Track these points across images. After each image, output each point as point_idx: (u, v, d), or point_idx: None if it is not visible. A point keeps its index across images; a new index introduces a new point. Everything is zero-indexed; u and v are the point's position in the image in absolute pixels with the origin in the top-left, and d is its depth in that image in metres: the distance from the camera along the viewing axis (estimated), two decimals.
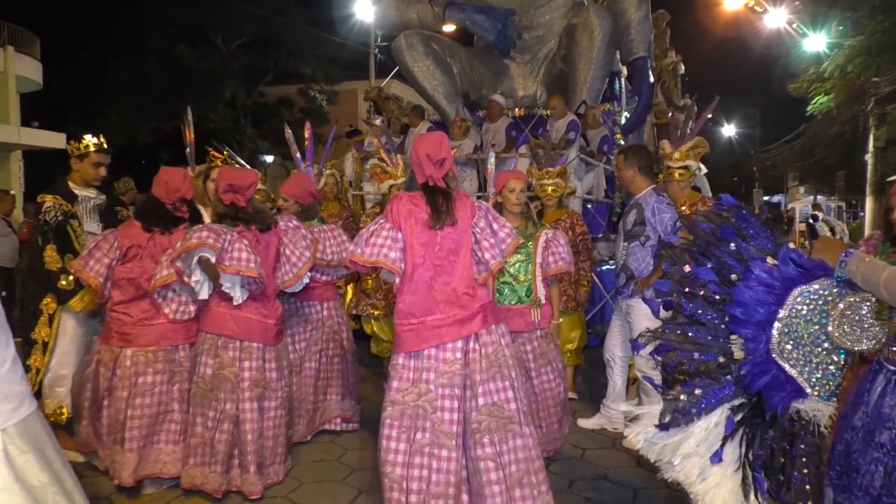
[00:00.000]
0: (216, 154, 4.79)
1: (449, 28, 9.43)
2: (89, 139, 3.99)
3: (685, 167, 4.71)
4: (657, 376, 3.52)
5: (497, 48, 9.23)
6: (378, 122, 9.14)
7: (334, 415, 4.47)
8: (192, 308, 3.58)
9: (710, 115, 5.52)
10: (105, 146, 4.04)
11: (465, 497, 2.94)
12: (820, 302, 1.96)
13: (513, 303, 3.84)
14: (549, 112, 8.16)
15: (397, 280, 2.95)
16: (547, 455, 3.83)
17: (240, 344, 3.49)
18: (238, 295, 3.43)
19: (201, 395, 3.45)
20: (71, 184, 3.95)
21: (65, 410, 3.83)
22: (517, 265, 3.84)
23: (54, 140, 20.31)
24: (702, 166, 7.45)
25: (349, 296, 6.33)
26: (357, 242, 2.97)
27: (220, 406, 3.43)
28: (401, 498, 2.85)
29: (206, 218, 4.01)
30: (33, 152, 21.02)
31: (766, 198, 31.81)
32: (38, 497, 1.62)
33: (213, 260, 3.31)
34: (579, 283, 5.26)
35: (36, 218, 3.84)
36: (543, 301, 3.87)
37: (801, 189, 30.38)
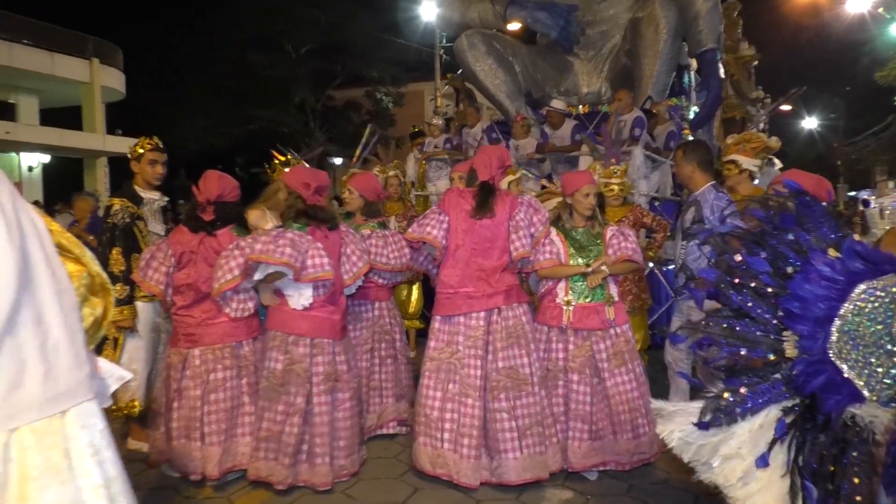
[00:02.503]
0: (278, 156, 4.91)
1: (511, 26, 9.36)
2: (143, 140, 4.16)
3: (732, 162, 4.49)
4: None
5: (560, 45, 9.11)
6: (435, 121, 9.17)
7: (391, 417, 4.49)
8: (250, 305, 3.70)
9: (786, 108, 5.24)
10: (159, 145, 4.18)
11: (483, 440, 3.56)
12: (887, 300, 1.81)
13: (587, 301, 3.77)
14: (614, 108, 8.00)
15: (438, 254, 3.75)
16: (622, 468, 3.72)
17: (311, 340, 3.63)
18: (309, 295, 3.57)
19: (272, 389, 3.57)
20: (136, 187, 4.12)
21: (136, 403, 4.00)
22: (590, 263, 3.76)
23: None
24: (776, 161, 7.14)
25: (414, 296, 6.39)
26: (412, 225, 3.83)
27: (291, 400, 3.56)
28: (436, 434, 3.61)
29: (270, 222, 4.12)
30: (117, 158, 22.15)
31: (851, 193, 30.22)
32: (111, 469, 1.68)
33: (289, 277, 3.48)
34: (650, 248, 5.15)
35: (105, 220, 4.00)
36: (616, 298, 3.80)
37: (891, 184, 28.68)
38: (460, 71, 9.94)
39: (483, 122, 9.14)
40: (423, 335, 6.30)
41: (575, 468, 3.70)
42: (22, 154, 21.39)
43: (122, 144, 21.51)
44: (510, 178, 5.00)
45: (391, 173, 6.53)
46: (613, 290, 3.81)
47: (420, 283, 6.45)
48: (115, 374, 1.96)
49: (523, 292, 3.87)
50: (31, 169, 21.79)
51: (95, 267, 1.98)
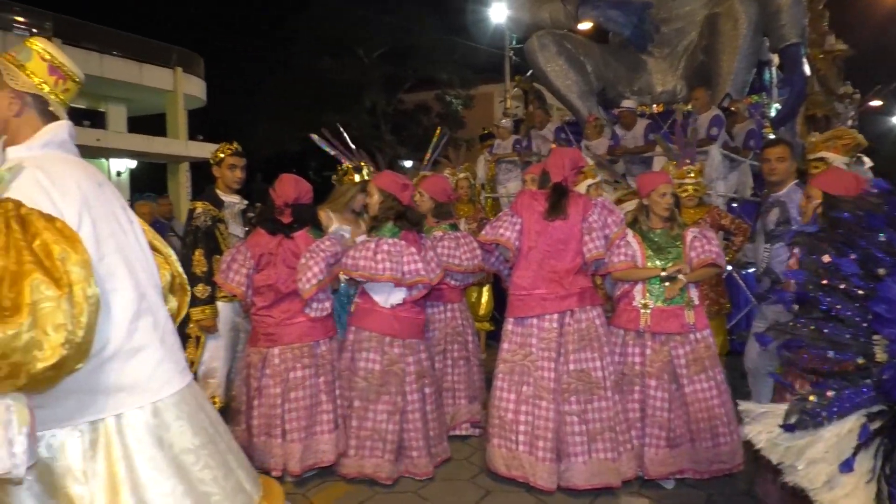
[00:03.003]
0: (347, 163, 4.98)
1: (582, 26, 9.24)
2: (223, 145, 4.32)
3: (820, 159, 4.27)
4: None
5: (633, 44, 8.93)
6: (505, 123, 9.15)
7: (464, 419, 4.50)
8: (327, 305, 3.81)
9: (875, 103, 4.98)
10: (239, 150, 4.33)
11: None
12: None
13: (666, 304, 3.68)
14: (689, 107, 7.78)
15: (511, 256, 3.76)
16: (700, 477, 3.62)
17: (402, 341, 3.76)
18: (400, 297, 3.70)
19: (372, 390, 3.70)
20: (218, 191, 4.29)
21: (217, 400, 4.15)
22: (669, 266, 3.68)
23: None
24: (865, 159, 6.79)
25: (485, 298, 6.40)
26: (485, 227, 3.86)
27: (392, 399, 3.70)
28: (510, 436, 3.62)
29: (349, 227, 4.23)
30: (198, 163, 23.10)
31: None
32: (189, 458, 1.78)
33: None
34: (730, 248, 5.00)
35: (188, 223, 4.18)
36: (696, 302, 3.70)
37: None
38: (530, 72, 9.89)
39: (553, 124, 9.06)
40: (493, 337, 6.32)
41: (651, 476, 3.62)
42: (111, 160, 22.58)
43: (202, 150, 22.46)
44: (589, 181, 4.92)
45: (461, 175, 6.55)
46: (693, 294, 3.70)
47: (490, 286, 6.45)
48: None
49: (597, 295, 3.83)
50: (119, 174, 22.98)
51: (178, 267, 2.10)
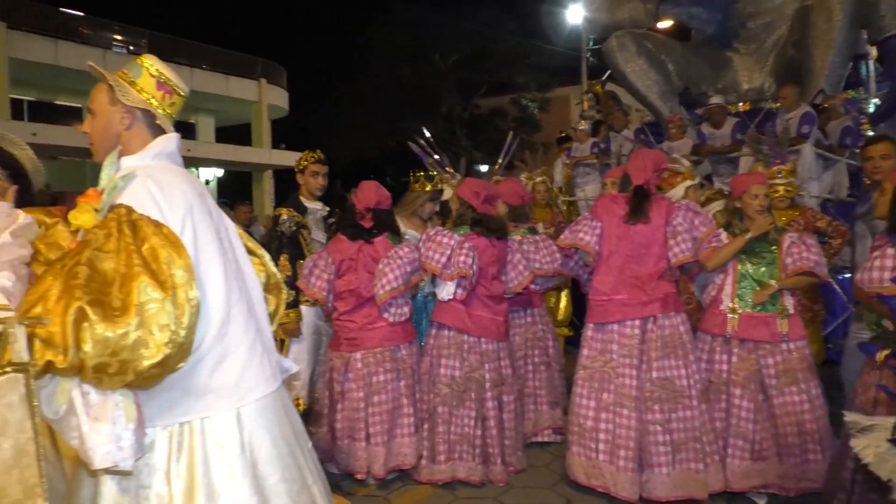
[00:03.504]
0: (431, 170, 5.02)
1: (663, 24, 9.02)
2: (307, 153, 4.44)
3: None
4: None
5: (717, 40, 8.63)
6: (582, 126, 9.01)
7: (545, 425, 4.46)
8: (405, 310, 3.86)
9: None
10: (321, 158, 4.44)
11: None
12: None
13: (756, 310, 3.52)
14: (777, 105, 7.44)
15: (591, 260, 3.69)
16: (786, 493, 3.43)
17: (480, 347, 3.79)
18: (451, 291, 3.75)
19: (456, 395, 3.75)
20: (301, 198, 4.41)
21: (301, 402, 4.26)
22: (761, 270, 3.53)
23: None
24: None
25: (563, 303, 6.32)
26: (564, 231, 3.82)
27: (474, 405, 3.75)
28: (590, 444, 3.54)
29: (414, 232, 4.28)
30: (281, 171, 23.88)
31: None
32: (266, 469, 1.80)
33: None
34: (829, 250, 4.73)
35: (273, 229, 4.31)
36: (791, 311, 3.50)
37: None
38: (608, 74, 9.72)
39: (633, 125, 8.86)
40: (571, 343, 6.24)
41: (734, 488, 3.48)
42: (200, 169, 23.65)
43: (285, 158, 23.22)
44: (688, 182, 4.76)
45: (538, 179, 6.48)
46: (788, 302, 3.50)
47: (569, 290, 6.36)
48: (282, 366, 2.12)
49: (681, 301, 3.72)
50: (207, 182, 24.04)
51: (272, 267, 2.17)
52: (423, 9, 24.53)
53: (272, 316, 2.14)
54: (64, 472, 1.94)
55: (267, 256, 2.19)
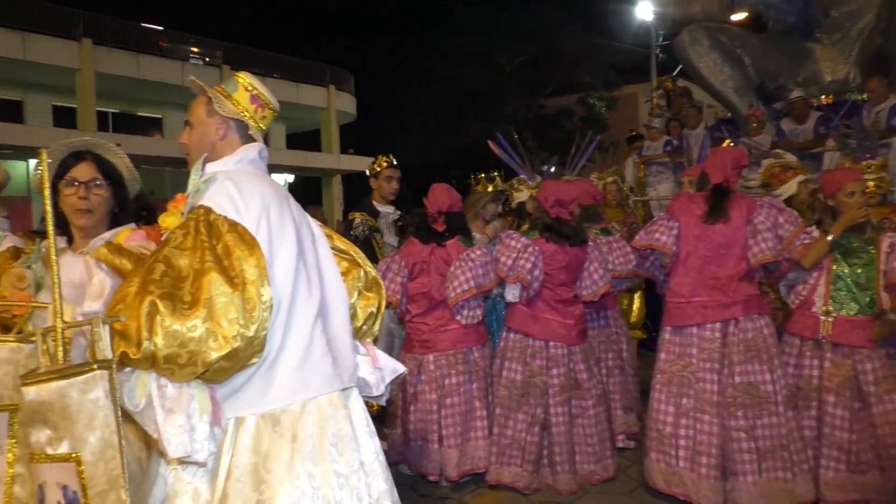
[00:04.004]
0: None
1: (737, 16, 8.71)
2: (380, 158, 4.49)
3: None
4: None
5: (798, 30, 8.27)
6: (655, 124, 8.80)
7: (620, 430, 4.36)
8: (478, 312, 3.85)
9: None
10: (394, 163, 4.48)
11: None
12: None
13: (851, 313, 3.34)
14: (864, 96, 7.06)
15: (668, 261, 3.56)
16: None
17: (546, 352, 3.72)
18: (515, 293, 3.71)
19: (513, 399, 3.71)
20: (374, 202, 4.46)
21: (374, 404, 4.31)
22: (858, 272, 3.35)
23: (365, 164, 23.17)
24: None
25: (636, 305, 6.19)
26: (639, 232, 3.71)
27: (532, 411, 3.68)
28: (670, 451, 3.43)
29: (478, 234, 4.26)
30: (350, 175, 24.30)
31: None
32: (311, 469, 1.77)
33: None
34: None
35: (347, 232, 4.38)
36: (892, 316, 3.29)
37: None
38: (678, 70, 9.47)
39: (706, 122, 8.60)
40: (644, 346, 6.10)
41: (828, 501, 3.30)
42: (272, 175, 24.27)
43: (354, 162, 23.61)
44: (800, 177, 4.55)
45: (609, 179, 6.38)
46: (886, 305, 3.30)
47: (642, 292, 6.22)
48: (391, 366, 2.13)
49: (764, 303, 3.57)
50: None
51: (369, 265, 2.18)
52: (488, 11, 24.52)
53: (375, 314, 2.15)
54: (138, 456, 1.99)
55: (361, 255, 2.21)
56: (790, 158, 4.72)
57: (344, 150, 25.24)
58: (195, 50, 21.28)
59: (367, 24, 33.56)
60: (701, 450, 3.35)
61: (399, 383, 3.97)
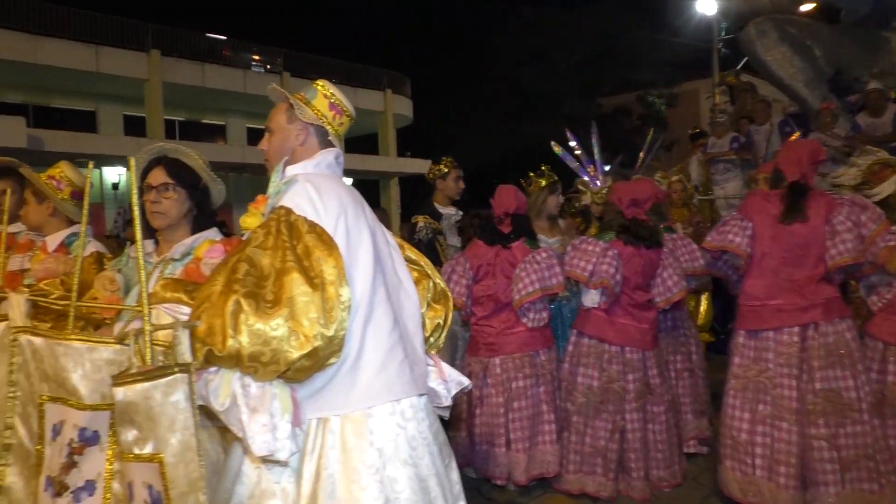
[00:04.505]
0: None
1: (807, 7, 8.40)
2: (445, 160, 4.49)
3: None
4: None
5: (874, 20, 7.91)
6: (721, 119, 8.54)
7: (690, 435, 4.23)
8: (544, 315, 3.79)
9: None
10: (457, 164, 4.48)
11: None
12: None
13: None
14: None
15: (741, 264, 3.39)
16: None
17: (622, 357, 3.65)
18: (595, 299, 3.62)
19: (592, 406, 3.64)
20: (436, 204, 4.47)
21: None
22: None
23: (423, 166, 23.38)
24: None
25: (703, 307, 6.03)
26: (710, 233, 3.54)
27: (611, 417, 3.62)
28: (746, 459, 3.28)
29: (544, 236, 4.21)
30: (406, 178, 24.49)
31: None
32: (392, 474, 1.78)
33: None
34: None
35: (411, 236, 4.39)
36: None
37: None
38: (741, 64, 9.19)
39: (775, 117, 8.30)
40: (711, 349, 5.92)
41: None
42: None
43: (411, 165, 23.79)
44: None
45: (674, 178, 6.23)
46: None
47: (709, 294, 6.05)
48: (455, 379, 2.13)
49: (846, 306, 3.40)
50: None
51: (438, 277, 2.19)
52: (544, 10, 24.35)
53: (442, 326, 2.16)
54: (213, 459, 2.03)
55: (431, 266, 2.22)
56: (885, 155, 4.47)
57: (401, 153, 25.47)
58: (256, 58, 21.83)
59: (424, 27, 33.78)
60: (779, 458, 3.21)
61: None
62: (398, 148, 25.56)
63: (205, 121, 22.64)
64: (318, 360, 1.65)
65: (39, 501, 1.95)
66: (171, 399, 1.52)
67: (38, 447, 1.97)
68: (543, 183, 4.42)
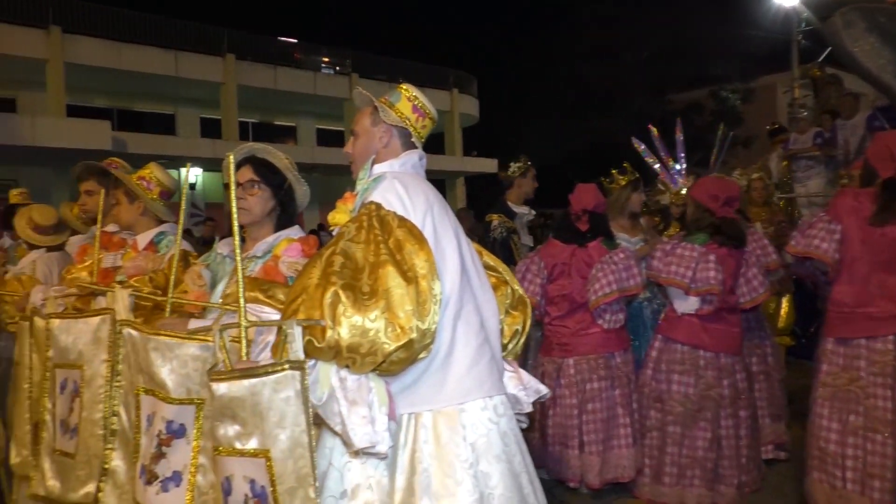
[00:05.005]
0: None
1: None
2: (523, 158, 4.48)
3: None
4: None
5: None
6: (803, 114, 8.20)
7: (768, 440, 4.10)
8: (620, 317, 3.73)
9: None
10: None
11: None
12: None
13: None
14: None
15: (829, 270, 3.15)
16: None
17: (717, 362, 3.55)
18: (693, 306, 3.49)
19: (690, 415, 3.53)
20: (510, 203, 4.46)
21: None
22: None
23: (488, 165, 23.42)
24: None
25: (784, 309, 5.81)
26: (794, 234, 3.29)
27: (710, 426, 3.51)
28: (835, 472, 3.09)
29: (626, 235, 4.13)
30: (472, 177, 24.50)
31: None
32: (484, 470, 1.79)
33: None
34: None
35: (486, 235, 4.40)
36: None
37: None
38: (824, 55, 8.79)
39: (863, 112, 7.90)
40: (791, 353, 5.70)
41: None
42: None
43: (477, 164, 23.80)
44: None
45: (755, 176, 6.03)
46: None
47: (790, 296, 5.82)
48: (533, 386, 2.12)
49: None
50: None
51: (516, 283, 2.19)
52: (611, 5, 23.94)
53: (520, 332, 2.17)
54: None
55: (509, 272, 2.23)
56: None
57: (467, 152, 25.50)
58: (326, 60, 22.27)
59: (491, 26, 33.75)
60: (873, 472, 3.03)
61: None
62: (464, 147, 25.61)
63: (276, 122, 23.24)
64: (413, 352, 1.68)
65: (136, 487, 2.04)
66: (280, 395, 1.54)
67: (136, 435, 2.07)
68: (625, 180, 4.33)
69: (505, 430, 1.88)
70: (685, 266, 3.44)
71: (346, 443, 1.71)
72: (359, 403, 1.66)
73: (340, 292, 1.62)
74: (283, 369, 1.55)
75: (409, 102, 2.10)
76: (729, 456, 3.52)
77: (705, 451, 3.48)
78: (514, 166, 4.55)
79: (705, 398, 3.50)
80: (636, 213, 4.38)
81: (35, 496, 2.47)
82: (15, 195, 4.79)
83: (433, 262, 1.73)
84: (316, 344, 1.61)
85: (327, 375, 1.67)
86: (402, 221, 1.79)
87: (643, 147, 4.82)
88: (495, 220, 4.33)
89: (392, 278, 1.66)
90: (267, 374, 1.55)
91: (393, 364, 1.68)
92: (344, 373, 1.67)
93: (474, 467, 1.77)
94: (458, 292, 1.85)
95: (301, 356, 1.60)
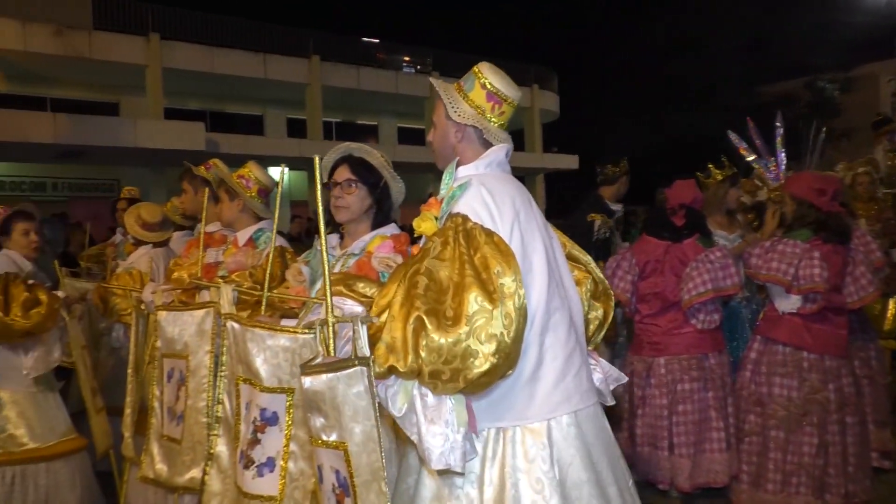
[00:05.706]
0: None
1: None
2: (622, 160, 4.42)
3: None
4: None
5: None
6: None
7: (872, 447, 3.86)
8: (716, 317, 3.63)
9: None
10: None
11: None
12: None
13: None
14: None
15: None
16: None
17: (823, 364, 3.40)
18: (795, 304, 3.34)
19: (793, 420, 3.40)
20: (606, 200, 4.40)
21: None
22: None
23: (568, 162, 23.11)
24: None
25: (891, 311, 5.47)
26: None
27: (816, 431, 3.37)
28: None
29: (723, 232, 3.98)
30: (551, 174, 24.23)
31: None
32: (574, 492, 1.76)
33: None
34: None
35: (587, 234, 4.34)
36: None
37: None
38: None
39: None
40: None
41: None
42: None
43: (556, 161, 23.54)
44: None
45: (861, 170, 5.69)
46: None
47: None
48: (613, 375, 2.08)
49: None
50: None
51: (599, 274, 2.14)
52: None
53: (602, 324, 2.12)
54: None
55: (592, 263, 2.17)
56: None
57: (547, 149, 25.26)
58: (407, 59, 22.53)
59: (572, 20, 33.31)
60: None
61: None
62: (544, 143, 25.37)
63: (358, 121, 23.69)
64: (496, 375, 1.65)
65: (236, 471, 2.13)
66: (352, 391, 1.56)
67: (237, 422, 2.16)
68: (722, 175, 4.18)
69: (592, 442, 1.84)
70: (787, 262, 3.29)
71: (422, 458, 1.70)
72: (436, 422, 1.66)
73: (424, 318, 1.60)
74: (353, 365, 1.57)
75: (484, 90, 1.95)
76: (835, 464, 3.34)
77: (812, 457, 3.32)
78: (611, 168, 4.49)
79: (810, 402, 3.34)
80: (732, 210, 4.23)
81: (145, 478, 2.62)
82: (127, 193, 5.18)
83: (520, 280, 1.67)
84: (399, 369, 1.62)
85: (408, 391, 1.69)
86: (490, 236, 1.73)
87: (742, 143, 4.61)
88: (598, 219, 4.28)
89: (476, 301, 1.62)
90: (341, 369, 1.58)
91: (476, 387, 1.66)
92: (425, 389, 1.67)
93: (563, 483, 1.75)
94: (545, 304, 1.82)
95: (367, 352, 1.61)
